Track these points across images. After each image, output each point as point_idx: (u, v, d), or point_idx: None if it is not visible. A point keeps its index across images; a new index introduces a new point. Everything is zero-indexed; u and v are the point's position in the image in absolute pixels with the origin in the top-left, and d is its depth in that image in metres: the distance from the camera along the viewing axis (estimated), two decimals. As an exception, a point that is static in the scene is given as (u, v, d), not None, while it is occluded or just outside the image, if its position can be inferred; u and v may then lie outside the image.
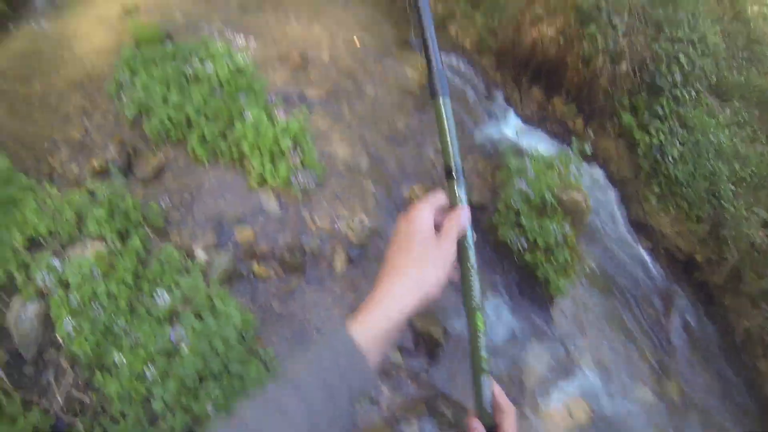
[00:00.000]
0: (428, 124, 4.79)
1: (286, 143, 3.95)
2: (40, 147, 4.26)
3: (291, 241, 3.72)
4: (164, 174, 4.04)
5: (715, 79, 5.69)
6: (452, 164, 0.86)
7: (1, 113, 4.67)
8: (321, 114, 4.47)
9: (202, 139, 4.07)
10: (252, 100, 4.21)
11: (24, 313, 2.98)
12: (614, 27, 5.25)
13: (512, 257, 4.30)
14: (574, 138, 4.87)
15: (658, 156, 5.36)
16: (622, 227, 5.61)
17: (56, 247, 3.29)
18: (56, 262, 3.08)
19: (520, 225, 4.21)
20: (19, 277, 3.09)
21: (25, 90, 4.89)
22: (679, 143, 5.33)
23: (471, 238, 0.85)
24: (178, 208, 3.81)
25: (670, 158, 5.27)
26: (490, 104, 5.51)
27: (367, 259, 3.89)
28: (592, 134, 5.63)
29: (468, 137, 4.89)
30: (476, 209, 4.27)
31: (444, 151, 0.89)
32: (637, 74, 5.42)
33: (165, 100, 4.21)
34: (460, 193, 0.87)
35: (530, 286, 4.37)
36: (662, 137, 5.31)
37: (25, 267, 3.15)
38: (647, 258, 5.57)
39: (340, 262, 3.82)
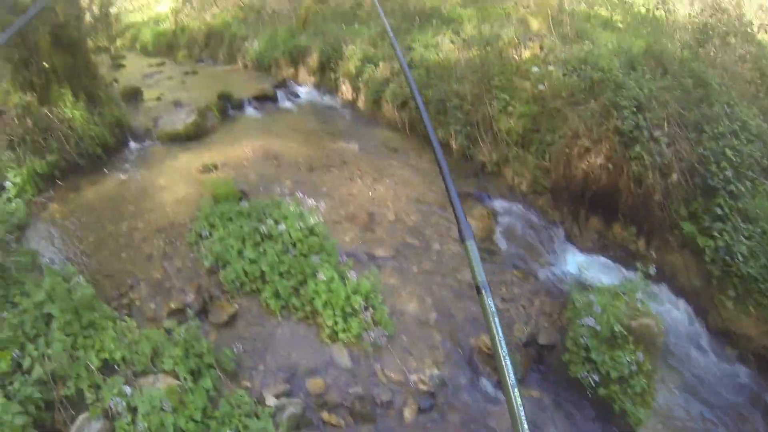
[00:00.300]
0: (492, 274, 4.97)
1: (358, 301, 4.17)
2: (122, 282, 4.56)
3: (362, 392, 3.76)
4: (238, 321, 4.24)
5: (766, 162, 5.60)
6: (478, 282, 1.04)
7: (90, 246, 5.11)
8: (390, 271, 4.68)
9: (276, 293, 4.32)
10: (324, 260, 4.52)
11: (88, 430, 3.04)
12: (657, 140, 5.38)
13: (586, 393, 4.21)
14: (638, 262, 4.85)
15: (727, 257, 5.17)
16: (703, 340, 5.38)
17: (128, 375, 3.39)
18: (127, 389, 3.17)
19: (590, 360, 4.15)
20: (89, 395, 3.18)
21: (113, 228, 5.39)
22: (745, 238, 5.13)
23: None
24: (251, 354, 3.95)
25: (739, 257, 5.05)
26: (551, 243, 5.64)
27: (438, 408, 3.95)
28: (654, 253, 5.58)
29: (532, 279, 4.99)
30: (545, 349, 4.30)
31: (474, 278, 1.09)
32: (689, 180, 5.41)
33: (240, 254, 4.59)
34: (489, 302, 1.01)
35: (608, 420, 4.23)
36: (727, 237, 5.15)
37: (96, 387, 3.25)
38: (736, 367, 5.27)
39: (410, 412, 3.83)
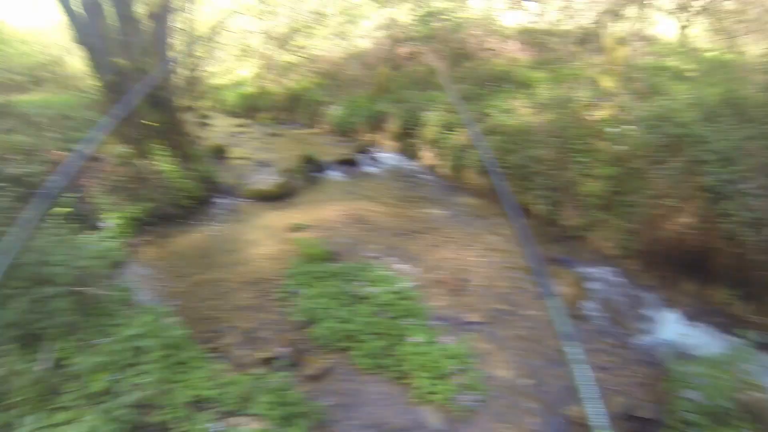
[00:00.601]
0: (582, 342, 4.79)
1: (449, 365, 4.16)
2: (212, 327, 4.71)
3: None
4: (327, 376, 4.25)
5: None
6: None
7: (180, 290, 5.33)
8: (481, 336, 4.64)
9: (367, 353, 4.38)
10: (414, 323, 4.62)
11: None
12: (745, 194, 5.12)
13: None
14: (739, 327, 4.55)
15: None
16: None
17: (217, 414, 3.44)
18: (215, 426, 3.26)
19: (694, 437, 3.88)
20: (177, 427, 3.26)
21: (203, 276, 5.62)
22: None
23: None
24: (339, 409, 3.93)
25: None
26: (643, 308, 5.41)
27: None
28: (757, 317, 5.21)
29: (625, 348, 4.80)
30: (644, 423, 4.05)
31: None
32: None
33: (331, 313, 4.76)
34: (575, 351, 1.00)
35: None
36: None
37: (185, 419, 3.32)
38: None
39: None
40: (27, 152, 6.70)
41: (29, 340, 3.47)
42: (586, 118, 7.40)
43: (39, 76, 11.07)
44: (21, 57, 11.37)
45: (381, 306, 4.87)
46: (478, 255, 6.17)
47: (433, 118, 10.05)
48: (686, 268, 5.57)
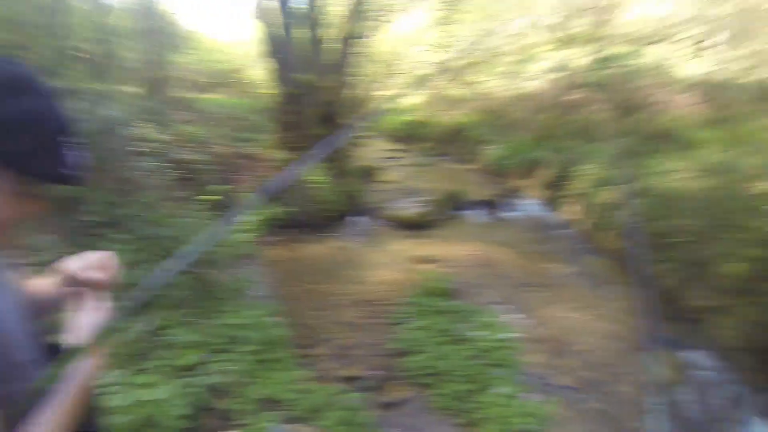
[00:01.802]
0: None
1: (521, 423, 4.01)
2: (311, 335, 4.91)
3: None
4: (401, 407, 4.26)
5: None
6: None
7: (293, 294, 5.65)
8: (566, 402, 4.39)
9: (446, 394, 4.33)
10: (504, 375, 4.51)
11: None
12: None
13: None
14: None
15: None
16: None
17: (282, 417, 3.51)
18: (281, 428, 3.33)
19: None
20: (244, 419, 3.33)
21: (318, 286, 5.89)
22: None
23: None
24: None
25: None
26: (741, 409, 4.71)
27: None
28: None
29: None
30: None
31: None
32: None
33: (427, 349, 4.75)
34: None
35: None
36: None
37: (252, 413, 3.42)
38: None
39: None
40: (197, 142, 7.44)
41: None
42: (747, 189, 6.59)
43: (222, 80, 12.36)
44: (210, 63, 12.81)
45: (479, 351, 4.77)
46: (590, 319, 5.84)
47: (585, 171, 9.60)
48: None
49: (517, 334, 5.16)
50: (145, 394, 3.03)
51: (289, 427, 3.45)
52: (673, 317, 5.92)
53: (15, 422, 0.90)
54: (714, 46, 12.68)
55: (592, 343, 5.35)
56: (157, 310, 3.84)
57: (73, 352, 1.02)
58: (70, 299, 1.15)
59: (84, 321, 1.11)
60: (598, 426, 4.24)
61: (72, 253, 1.22)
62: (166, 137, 6.60)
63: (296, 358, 4.30)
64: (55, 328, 1.16)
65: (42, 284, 1.19)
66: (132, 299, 1.15)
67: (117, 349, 3.31)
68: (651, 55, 12.92)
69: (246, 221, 6.52)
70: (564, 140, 11.45)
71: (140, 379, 3.20)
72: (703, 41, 12.90)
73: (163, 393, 3.09)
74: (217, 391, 3.47)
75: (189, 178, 6.52)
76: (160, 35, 8.68)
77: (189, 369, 3.52)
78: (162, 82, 8.41)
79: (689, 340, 5.55)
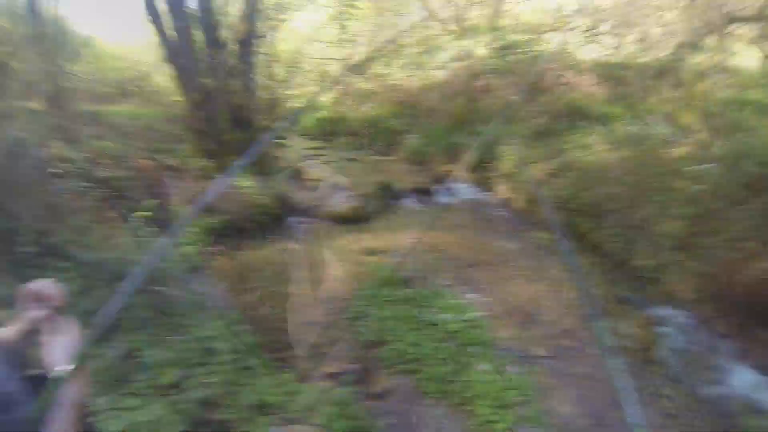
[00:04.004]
0: (651, 386, 4.64)
1: (512, 396, 4.19)
2: (280, 339, 4.88)
3: None
4: (390, 396, 4.33)
5: None
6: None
7: (253, 302, 5.55)
8: (544, 371, 4.63)
9: (431, 377, 4.44)
10: (481, 352, 4.68)
11: None
12: None
13: None
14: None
15: None
16: None
17: (279, 420, 3.53)
18: (276, 430, 3.35)
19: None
20: (239, 427, 3.37)
21: (273, 289, 5.84)
22: None
23: None
24: (399, 429, 4.00)
25: None
26: (716, 358, 5.11)
27: None
28: None
29: (694, 397, 4.56)
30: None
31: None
32: None
33: (400, 337, 4.86)
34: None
35: None
36: None
37: (246, 421, 3.43)
38: None
39: None
40: (114, 158, 7.09)
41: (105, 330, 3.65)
42: (664, 155, 7.18)
43: (127, 89, 11.82)
44: (112, 71, 12.20)
45: (450, 333, 4.95)
46: (546, 290, 6.13)
47: (507, 152, 10.05)
48: (765, 316, 5.23)
49: (480, 313, 5.36)
50: (138, 416, 2.96)
51: (287, 428, 3.43)
52: (629, 279, 6.33)
53: None
54: (602, 33, 13.70)
55: (556, 312, 5.64)
56: (123, 333, 3.68)
57: (58, 378, 1.08)
58: (41, 324, 1.21)
59: (58, 347, 1.17)
60: (583, 389, 4.48)
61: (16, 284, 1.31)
62: (80, 155, 6.27)
63: (273, 363, 4.31)
64: (30, 362, 1.21)
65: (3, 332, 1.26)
66: (95, 326, 1.20)
67: (97, 375, 3.16)
68: (549, 42, 13.69)
69: (187, 234, 6.36)
70: (479, 124, 11.93)
71: (128, 401, 3.12)
72: (593, 29, 13.87)
73: (155, 413, 3.01)
74: (207, 404, 3.40)
75: (116, 196, 6.25)
76: (54, 42, 8.17)
77: (173, 386, 3.45)
78: (64, 94, 7.96)
79: (650, 299, 5.97)
